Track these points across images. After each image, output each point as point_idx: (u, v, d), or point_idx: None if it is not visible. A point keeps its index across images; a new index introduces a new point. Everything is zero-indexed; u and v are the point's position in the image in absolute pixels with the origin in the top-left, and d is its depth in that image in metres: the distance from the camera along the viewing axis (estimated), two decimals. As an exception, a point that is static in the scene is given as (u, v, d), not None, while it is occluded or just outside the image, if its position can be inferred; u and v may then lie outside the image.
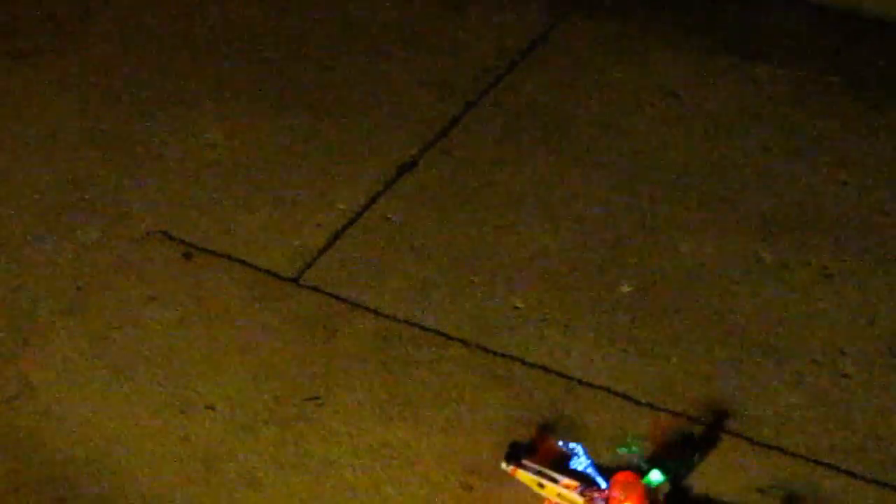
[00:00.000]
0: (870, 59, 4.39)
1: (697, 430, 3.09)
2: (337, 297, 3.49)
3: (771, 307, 3.46)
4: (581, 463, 2.85)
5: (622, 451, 2.99)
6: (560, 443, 2.92)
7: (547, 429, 3.05)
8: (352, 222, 3.74)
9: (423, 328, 3.39)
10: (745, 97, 4.25)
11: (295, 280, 3.54)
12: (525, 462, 2.88)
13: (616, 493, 2.75)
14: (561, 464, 2.88)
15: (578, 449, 2.88)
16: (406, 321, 3.41)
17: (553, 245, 3.66)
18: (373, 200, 3.82)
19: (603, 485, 2.80)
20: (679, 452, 2.98)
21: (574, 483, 2.82)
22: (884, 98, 4.20)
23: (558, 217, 3.76)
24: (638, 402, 3.18)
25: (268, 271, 3.57)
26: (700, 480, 2.98)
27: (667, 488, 2.83)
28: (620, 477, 2.78)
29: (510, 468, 2.88)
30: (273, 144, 4.05)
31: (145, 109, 4.19)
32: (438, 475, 3.00)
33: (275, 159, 3.99)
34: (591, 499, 2.79)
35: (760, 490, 2.97)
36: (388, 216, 3.77)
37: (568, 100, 4.22)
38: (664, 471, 2.84)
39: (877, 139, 4.05)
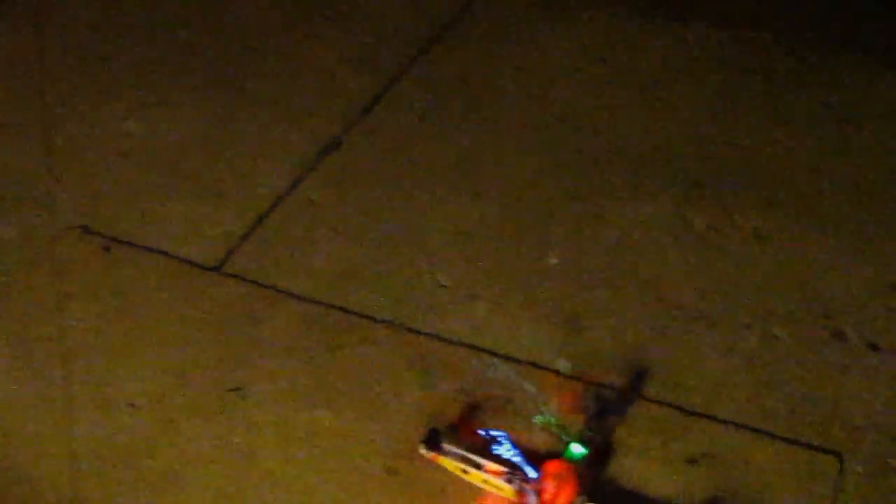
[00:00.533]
0: (799, 14, 4.33)
1: (612, 395, 3.04)
2: (260, 285, 3.41)
3: (701, 272, 3.42)
4: (506, 450, 2.78)
5: (538, 420, 2.93)
6: (482, 431, 2.84)
7: (470, 413, 2.99)
8: (275, 206, 3.66)
9: (347, 311, 3.32)
10: (674, 58, 4.20)
11: (217, 269, 3.47)
12: (447, 447, 2.80)
13: (548, 486, 2.68)
14: (485, 448, 2.81)
15: (502, 436, 2.81)
16: (330, 305, 3.34)
17: (480, 219, 3.60)
18: (296, 182, 3.74)
19: (532, 474, 2.72)
20: (595, 419, 2.93)
21: (500, 469, 2.75)
22: (814, 53, 4.15)
23: (485, 190, 3.70)
24: (566, 376, 3.12)
25: (189, 261, 3.49)
26: (629, 451, 2.93)
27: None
28: (552, 468, 2.70)
29: (430, 454, 2.81)
30: (193, 130, 3.97)
31: (62, 100, 4.10)
32: (363, 461, 2.94)
33: (195, 145, 3.91)
34: (521, 490, 2.70)
35: (690, 460, 2.92)
36: (312, 198, 3.70)
37: (494, 70, 4.16)
38: (584, 443, 2.78)
39: (808, 95, 4.00)
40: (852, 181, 3.68)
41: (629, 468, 2.89)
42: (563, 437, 2.83)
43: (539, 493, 2.66)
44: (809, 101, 3.95)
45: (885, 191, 3.63)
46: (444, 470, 2.82)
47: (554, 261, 3.46)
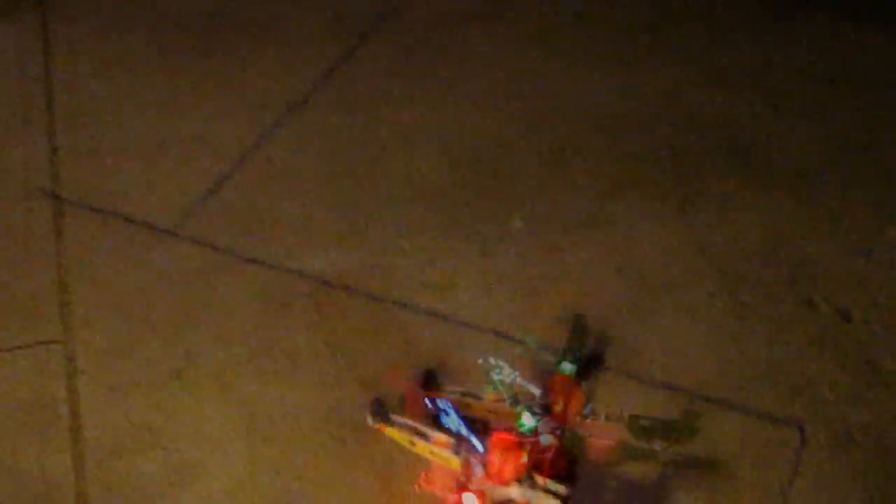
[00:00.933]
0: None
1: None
2: (216, 248, 3.33)
3: (669, 236, 3.32)
4: (453, 421, 2.69)
5: (490, 388, 2.83)
6: (429, 402, 2.76)
7: (420, 382, 2.90)
8: (236, 167, 3.57)
9: (304, 276, 3.23)
10: (654, 18, 4.07)
11: (173, 232, 3.38)
12: (394, 418, 2.72)
13: (495, 458, 2.59)
14: (433, 419, 2.72)
15: (449, 408, 2.72)
16: (287, 269, 3.25)
17: (445, 182, 3.51)
18: (259, 143, 3.65)
19: (479, 446, 2.63)
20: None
21: (447, 441, 2.65)
22: (800, 13, 4.01)
23: (451, 152, 3.60)
24: (526, 344, 3.02)
25: (145, 223, 3.41)
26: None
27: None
28: (497, 440, 2.60)
29: (378, 425, 2.72)
30: (156, 89, 3.88)
31: (23, 57, 4.00)
32: (311, 431, 2.86)
33: (157, 104, 3.82)
34: (467, 461, 2.62)
35: (649, 430, 2.82)
36: (274, 159, 3.60)
37: (468, 31, 4.04)
38: (533, 413, 2.69)
39: (792, 58, 3.86)
40: (826, 148, 3.58)
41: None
42: (516, 407, 2.73)
43: (485, 465, 2.58)
44: (793, 65, 3.82)
45: (859, 157, 3.53)
46: (392, 441, 2.74)
47: (518, 224, 3.37)
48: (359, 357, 3.02)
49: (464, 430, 2.65)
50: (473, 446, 2.62)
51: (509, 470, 2.57)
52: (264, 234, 3.36)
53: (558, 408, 2.57)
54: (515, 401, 2.60)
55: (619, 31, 3.97)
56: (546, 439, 2.57)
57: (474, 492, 2.57)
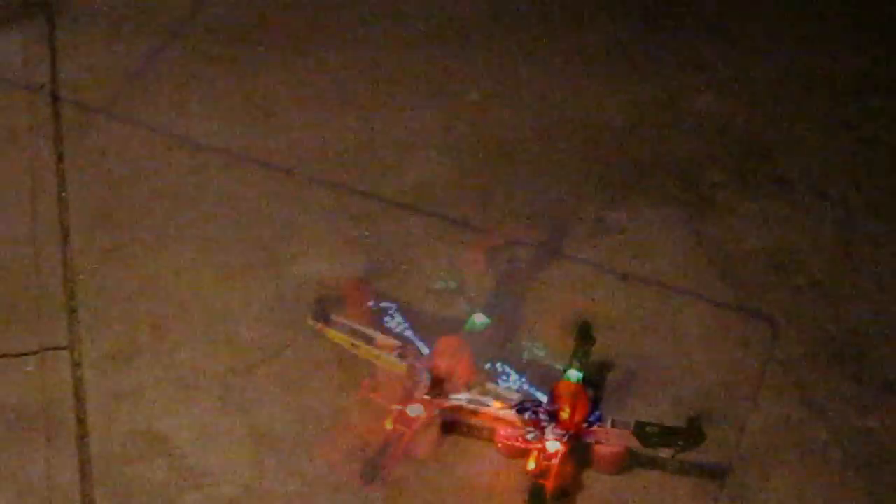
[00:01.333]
0: None
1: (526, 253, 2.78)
2: (150, 127, 3.09)
3: (638, 110, 3.15)
4: (398, 323, 2.52)
5: (441, 285, 2.66)
6: (372, 302, 2.58)
7: (363, 282, 2.71)
8: (167, 44, 3.31)
9: (239, 158, 3.01)
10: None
11: (106, 111, 3.14)
12: (336, 319, 2.53)
13: (441, 362, 2.43)
14: (376, 321, 2.55)
15: (393, 309, 2.54)
16: (218, 149, 3.02)
17: (400, 57, 3.28)
18: (191, 18, 3.39)
19: (424, 350, 2.47)
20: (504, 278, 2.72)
21: (391, 344, 2.49)
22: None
23: (406, 25, 3.40)
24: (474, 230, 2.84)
25: (75, 102, 3.16)
26: (542, 314, 2.68)
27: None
28: (446, 343, 2.46)
29: (318, 326, 2.54)
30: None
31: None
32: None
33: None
34: (413, 367, 2.45)
35: (610, 326, 2.65)
36: (213, 26, 3.36)
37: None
38: (488, 314, 2.53)
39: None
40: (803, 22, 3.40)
41: (540, 334, 2.63)
42: (465, 306, 2.57)
43: (431, 370, 2.41)
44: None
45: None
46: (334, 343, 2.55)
47: (475, 97, 3.15)
48: (300, 239, 2.83)
49: (409, 333, 2.48)
50: (418, 350, 2.45)
51: (458, 374, 2.41)
52: (195, 113, 3.12)
53: (565, 414, 2.40)
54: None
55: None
56: (553, 445, 2.40)
57: (420, 401, 2.40)
